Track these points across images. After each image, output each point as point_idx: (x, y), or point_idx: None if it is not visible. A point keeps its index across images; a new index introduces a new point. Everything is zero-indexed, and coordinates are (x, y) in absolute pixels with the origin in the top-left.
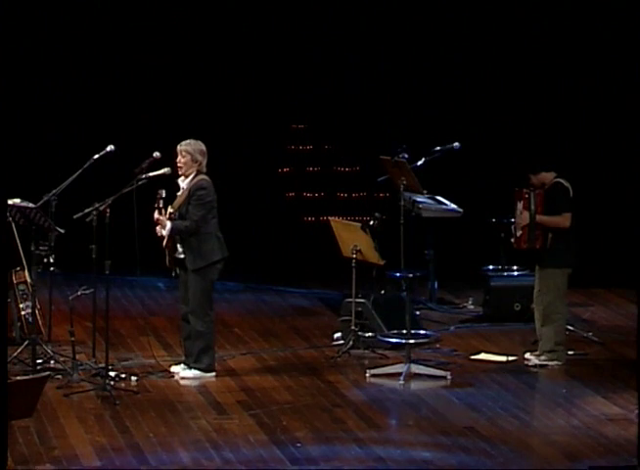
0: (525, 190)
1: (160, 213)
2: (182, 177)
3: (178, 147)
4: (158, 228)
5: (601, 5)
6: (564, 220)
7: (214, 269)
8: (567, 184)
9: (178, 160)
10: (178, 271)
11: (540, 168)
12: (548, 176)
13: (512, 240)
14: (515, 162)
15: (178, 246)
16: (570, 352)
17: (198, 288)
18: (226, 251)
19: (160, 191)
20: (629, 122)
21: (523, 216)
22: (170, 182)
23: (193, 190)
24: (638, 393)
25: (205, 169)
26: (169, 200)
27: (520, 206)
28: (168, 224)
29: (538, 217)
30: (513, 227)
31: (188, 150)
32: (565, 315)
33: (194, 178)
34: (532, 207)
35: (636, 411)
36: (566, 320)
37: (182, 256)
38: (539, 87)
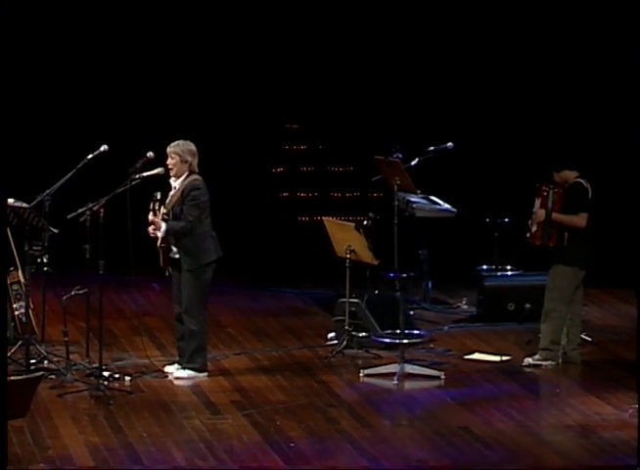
0: (544, 187)
1: (155, 215)
2: (174, 177)
3: (167, 149)
4: (150, 229)
5: None
6: (580, 220)
7: (209, 269)
8: (587, 185)
9: (168, 161)
10: (172, 271)
11: (563, 166)
12: (571, 175)
13: (527, 235)
14: (538, 158)
15: (172, 246)
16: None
17: (193, 288)
18: (220, 250)
19: (155, 193)
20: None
21: (539, 213)
22: (164, 182)
23: (187, 190)
24: (638, 393)
25: (196, 169)
26: (163, 200)
27: (537, 202)
28: (163, 226)
29: (554, 215)
30: (529, 222)
31: (177, 151)
32: (565, 316)
33: (186, 178)
34: (549, 204)
35: (630, 411)
36: (565, 320)
37: (177, 256)
38: (566, 85)
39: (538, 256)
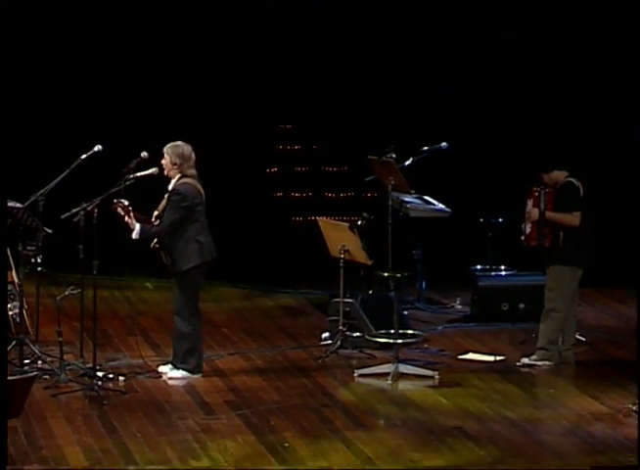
0: (535, 188)
1: (130, 217)
2: (171, 179)
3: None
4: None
5: None
6: (573, 219)
7: (195, 274)
8: (577, 184)
9: (162, 160)
10: None
11: (552, 167)
12: (560, 175)
13: (522, 238)
14: (527, 160)
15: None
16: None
17: (179, 291)
18: (208, 255)
19: (120, 200)
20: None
21: (532, 214)
22: (158, 182)
23: (171, 194)
24: (639, 392)
25: (189, 172)
26: (156, 201)
27: (530, 203)
28: (137, 227)
29: (548, 214)
30: (523, 225)
31: (167, 151)
32: (564, 316)
33: (177, 181)
34: (542, 204)
35: (624, 410)
36: (564, 321)
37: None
38: (554, 85)
39: (532, 256)
